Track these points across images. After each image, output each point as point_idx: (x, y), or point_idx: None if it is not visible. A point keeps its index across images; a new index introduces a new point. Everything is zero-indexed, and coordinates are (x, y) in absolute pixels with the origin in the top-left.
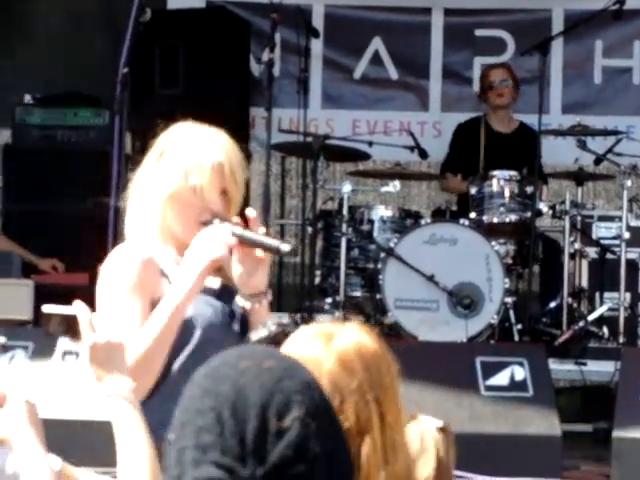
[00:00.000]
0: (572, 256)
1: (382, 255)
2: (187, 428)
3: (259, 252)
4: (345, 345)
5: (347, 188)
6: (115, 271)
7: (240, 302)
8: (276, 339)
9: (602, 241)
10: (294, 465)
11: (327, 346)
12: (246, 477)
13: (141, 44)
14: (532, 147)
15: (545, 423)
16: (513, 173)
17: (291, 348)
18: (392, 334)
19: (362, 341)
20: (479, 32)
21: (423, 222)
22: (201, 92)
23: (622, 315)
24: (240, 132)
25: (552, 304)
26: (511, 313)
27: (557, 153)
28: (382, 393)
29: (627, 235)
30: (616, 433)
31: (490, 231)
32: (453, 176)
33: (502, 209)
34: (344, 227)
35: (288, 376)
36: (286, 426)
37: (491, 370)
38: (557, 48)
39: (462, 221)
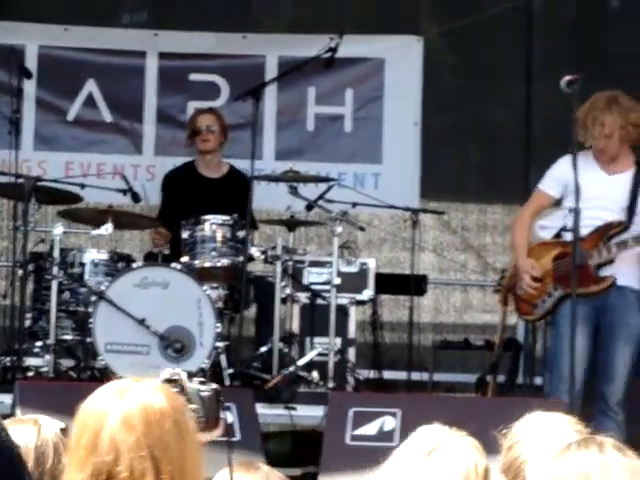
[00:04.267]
0: (284, 301)
1: (93, 298)
2: None
3: None
4: (132, 403)
5: (58, 230)
6: None
7: None
8: None
9: (313, 286)
10: None
11: (117, 402)
12: None
13: None
14: (243, 191)
15: None
16: (225, 217)
17: (89, 399)
18: (102, 378)
19: (150, 400)
20: (193, 76)
21: (135, 265)
22: None
23: (332, 360)
24: None
25: (263, 348)
26: (222, 357)
27: (270, 198)
28: (161, 450)
29: (337, 281)
30: (321, 477)
31: (202, 275)
32: (164, 230)
33: (214, 253)
34: (55, 270)
35: None
36: None
37: None
38: (271, 94)
39: (174, 265)
